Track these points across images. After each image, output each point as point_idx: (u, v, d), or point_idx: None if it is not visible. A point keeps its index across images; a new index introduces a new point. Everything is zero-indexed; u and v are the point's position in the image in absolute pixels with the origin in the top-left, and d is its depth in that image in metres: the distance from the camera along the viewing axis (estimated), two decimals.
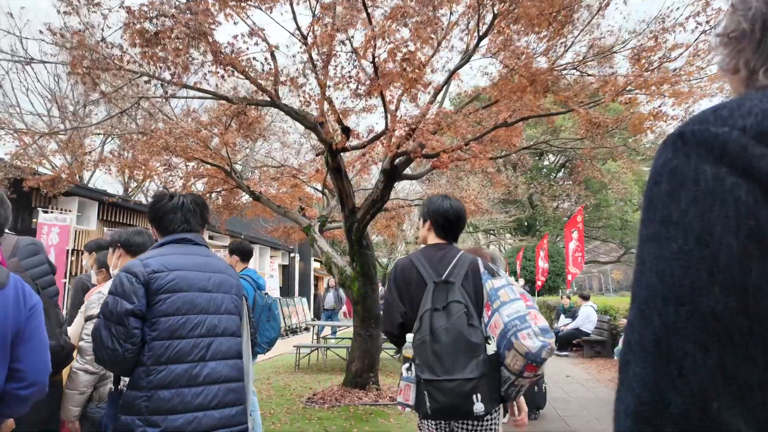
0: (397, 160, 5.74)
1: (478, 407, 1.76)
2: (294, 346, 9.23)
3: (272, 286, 17.42)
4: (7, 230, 2.56)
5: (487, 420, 1.95)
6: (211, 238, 14.16)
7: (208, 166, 6.97)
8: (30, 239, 2.52)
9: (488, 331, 1.91)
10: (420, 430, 2.08)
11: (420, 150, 5.39)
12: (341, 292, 12.71)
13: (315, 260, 21.93)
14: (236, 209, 9.01)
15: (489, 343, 1.87)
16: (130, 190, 16.60)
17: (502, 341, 1.84)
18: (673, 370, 0.38)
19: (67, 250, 7.64)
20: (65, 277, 7.68)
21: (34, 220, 7.75)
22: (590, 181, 16.10)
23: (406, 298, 2.05)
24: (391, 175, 5.77)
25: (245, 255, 4.18)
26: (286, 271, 20.78)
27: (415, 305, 1.99)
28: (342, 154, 5.69)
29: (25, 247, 2.46)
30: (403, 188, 16.81)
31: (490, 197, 9.66)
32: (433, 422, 2.03)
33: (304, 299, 19.04)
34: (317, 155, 7.34)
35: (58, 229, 7.37)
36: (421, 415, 1.92)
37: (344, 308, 12.87)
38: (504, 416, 2.22)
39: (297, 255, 21.16)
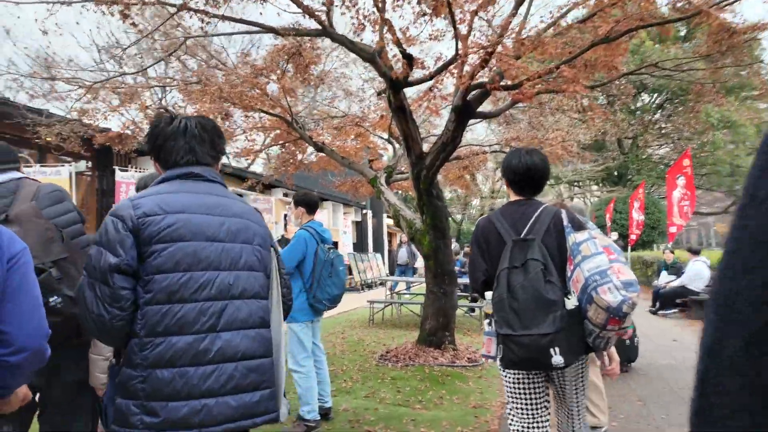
0: (470, 95, 4.94)
1: (557, 359, 1.80)
2: (368, 301, 9.21)
3: (345, 243, 17.61)
4: (30, 177, 2.34)
5: (573, 368, 2.01)
6: (285, 195, 14.32)
7: (270, 118, 6.65)
8: (53, 186, 2.27)
9: (570, 286, 1.94)
10: (517, 378, 2.07)
11: (499, 79, 4.56)
12: (413, 247, 12.32)
13: (387, 217, 21.82)
14: (302, 164, 8.76)
15: (569, 298, 1.89)
16: None
17: (583, 296, 1.86)
18: (734, 318, 0.46)
19: None
20: None
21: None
22: (697, 118, 13.86)
23: (487, 256, 2.10)
24: (464, 112, 5.00)
25: (311, 206, 3.97)
26: (359, 227, 20.95)
27: (495, 263, 2.03)
28: (405, 90, 5.01)
29: (48, 194, 2.20)
30: (476, 136, 15.67)
31: (580, 138, 8.40)
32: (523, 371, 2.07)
33: (378, 255, 19.16)
34: (378, 95, 6.68)
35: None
36: (503, 365, 1.98)
37: (423, 262, 12.48)
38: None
39: (369, 211, 21.20)
